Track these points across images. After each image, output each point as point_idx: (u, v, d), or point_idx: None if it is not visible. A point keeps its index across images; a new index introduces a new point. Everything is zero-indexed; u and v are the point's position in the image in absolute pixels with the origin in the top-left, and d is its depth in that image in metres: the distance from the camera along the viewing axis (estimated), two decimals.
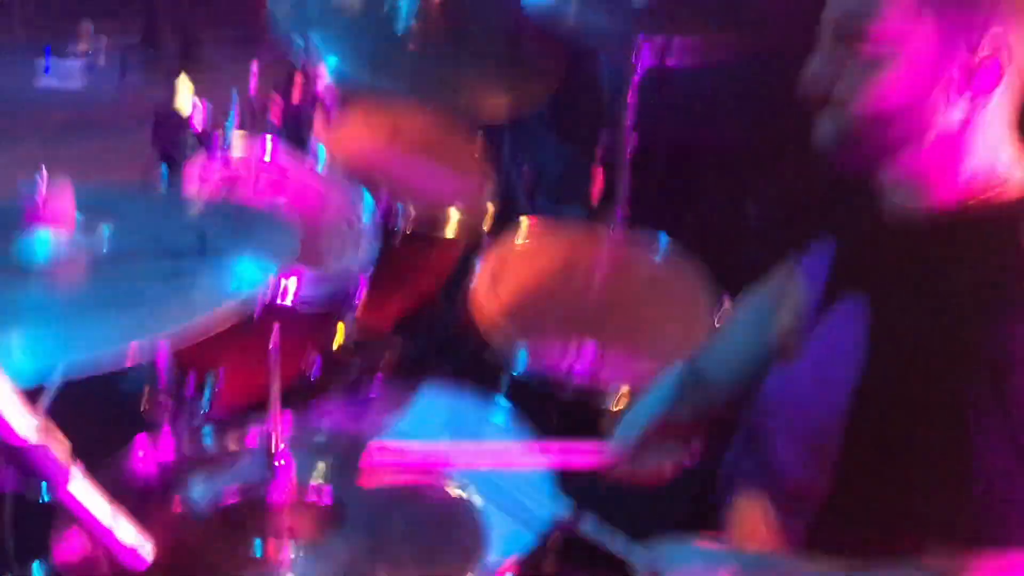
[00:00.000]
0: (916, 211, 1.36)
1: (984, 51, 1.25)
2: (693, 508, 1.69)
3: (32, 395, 1.04)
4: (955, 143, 1.31)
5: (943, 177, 1.33)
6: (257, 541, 1.29)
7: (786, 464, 1.46)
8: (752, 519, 1.51)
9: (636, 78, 2.63)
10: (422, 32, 2.57)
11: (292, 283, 1.84)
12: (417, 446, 1.49)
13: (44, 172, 1.33)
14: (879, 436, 1.32)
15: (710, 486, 1.65)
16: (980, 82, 1.27)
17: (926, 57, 1.28)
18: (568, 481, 1.69)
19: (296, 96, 2.27)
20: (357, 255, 2.06)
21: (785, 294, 1.58)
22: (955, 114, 1.29)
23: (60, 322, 1.22)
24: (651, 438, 1.67)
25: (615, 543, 1.49)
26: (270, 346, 1.20)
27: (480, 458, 1.59)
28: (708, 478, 1.66)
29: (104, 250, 1.36)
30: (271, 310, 1.34)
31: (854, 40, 1.30)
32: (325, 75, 2.22)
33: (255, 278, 1.33)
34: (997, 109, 1.30)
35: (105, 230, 1.38)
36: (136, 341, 1.20)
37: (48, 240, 1.35)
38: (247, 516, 1.31)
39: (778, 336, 1.56)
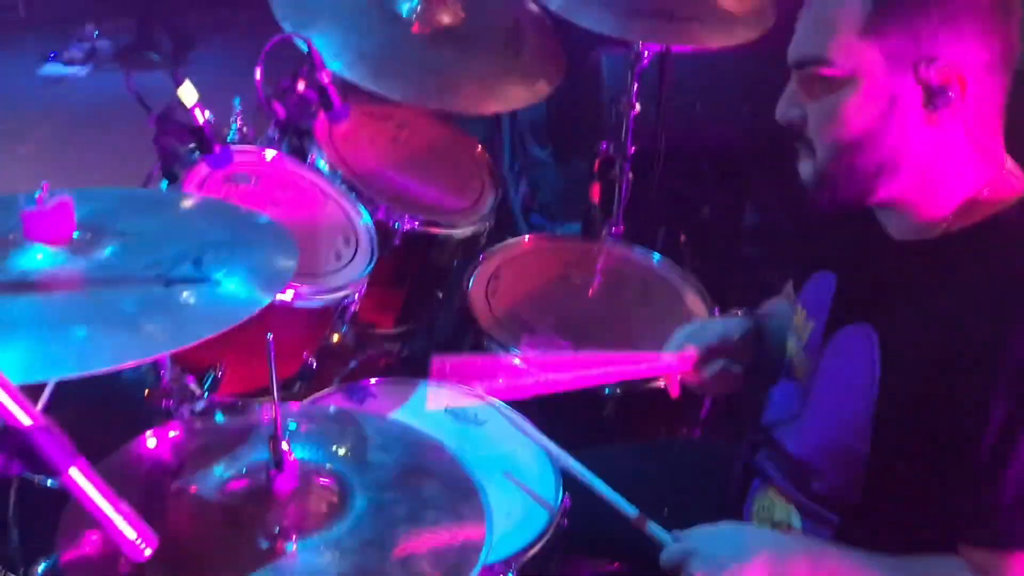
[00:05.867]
0: (914, 232, 1.37)
1: (933, 71, 1.26)
2: (712, 510, 1.70)
3: (31, 391, 1.06)
4: (932, 163, 1.32)
5: (932, 196, 1.34)
6: (263, 531, 1.29)
7: (813, 473, 1.47)
8: (777, 515, 1.53)
9: (636, 84, 2.65)
10: (424, 33, 2.58)
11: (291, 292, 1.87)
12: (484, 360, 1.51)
13: (46, 186, 1.34)
14: (904, 445, 1.33)
15: (730, 484, 1.67)
16: (936, 101, 1.28)
17: (878, 80, 1.29)
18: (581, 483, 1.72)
19: (298, 99, 2.27)
20: (356, 264, 2.08)
21: (791, 320, 1.60)
22: (923, 135, 1.30)
23: (54, 335, 1.22)
24: (712, 352, 1.71)
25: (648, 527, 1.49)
26: (268, 336, 1.21)
27: (547, 371, 1.61)
28: (725, 476, 1.68)
29: (101, 267, 1.35)
30: (270, 307, 1.35)
31: (812, 75, 1.33)
32: (327, 76, 2.23)
33: (252, 298, 1.34)
34: (975, 124, 1.31)
35: (108, 250, 1.38)
36: (129, 357, 1.22)
37: (45, 255, 1.35)
38: (253, 506, 1.32)
39: (788, 360, 1.58)
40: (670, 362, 1.71)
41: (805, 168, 1.38)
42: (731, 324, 1.75)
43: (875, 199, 1.38)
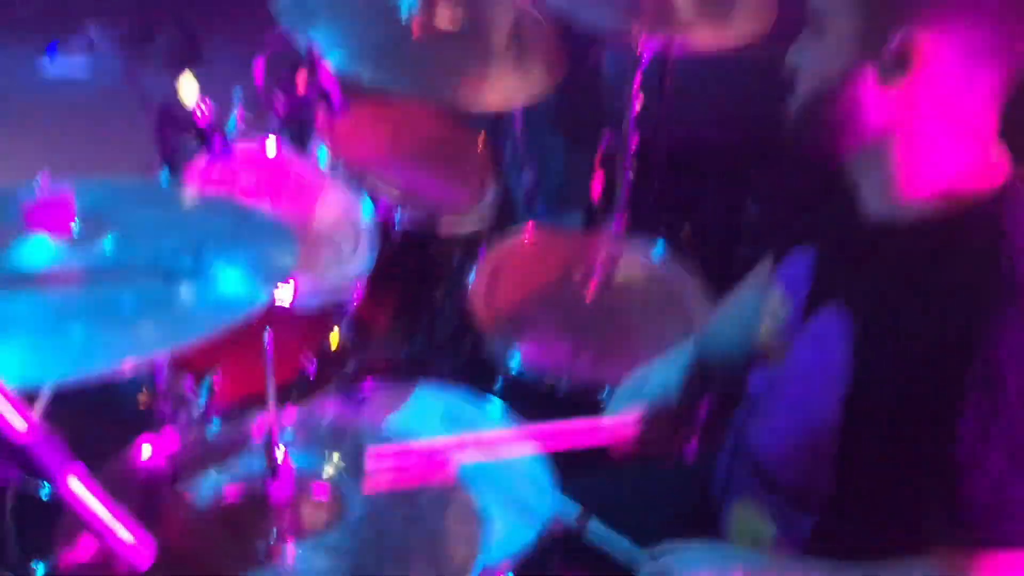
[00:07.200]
0: (892, 211, 1.35)
1: (894, 46, 1.26)
2: (692, 514, 1.69)
3: (28, 397, 1.05)
4: (909, 137, 1.31)
5: (914, 169, 1.33)
6: (260, 537, 1.29)
7: (781, 469, 1.46)
8: (752, 525, 1.52)
9: (639, 74, 2.64)
10: (424, 29, 2.57)
11: (290, 288, 1.86)
12: (416, 444, 1.50)
13: (45, 176, 1.33)
14: (874, 438, 1.31)
15: (707, 491, 1.66)
16: (899, 71, 1.27)
17: (846, 40, 1.30)
18: (569, 480, 1.71)
19: (299, 93, 2.27)
20: (356, 259, 2.08)
21: (765, 302, 1.57)
22: (884, 106, 1.30)
23: (52, 333, 1.21)
24: (655, 418, 1.71)
25: (619, 549, 1.51)
26: (265, 342, 1.21)
27: (480, 448, 1.60)
28: (705, 483, 1.67)
29: (101, 260, 1.35)
30: (268, 311, 1.34)
31: (805, 19, 1.35)
32: (328, 71, 2.22)
33: (253, 293, 1.34)
34: (951, 106, 1.29)
35: (106, 242, 1.37)
36: (129, 356, 1.21)
37: (45, 247, 1.34)
38: (249, 512, 1.32)
39: (761, 341, 1.56)
40: (610, 428, 1.71)
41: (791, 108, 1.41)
42: (671, 376, 1.75)
43: (851, 161, 1.39)
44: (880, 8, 1.28)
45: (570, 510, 1.58)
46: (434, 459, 1.49)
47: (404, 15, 2.50)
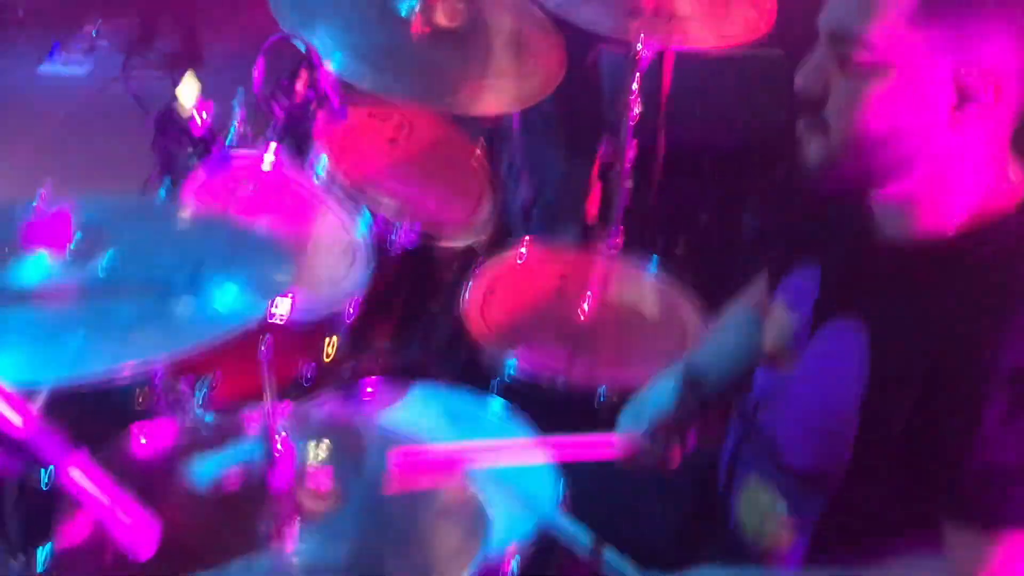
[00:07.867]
0: (910, 232, 1.34)
1: (974, 74, 1.21)
2: (699, 501, 1.70)
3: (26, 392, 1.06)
4: (948, 167, 1.29)
5: (937, 201, 1.31)
6: (260, 525, 1.29)
7: (793, 457, 1.46)
8: (762, 504, 1.52)
9: (637, 80, 2.64)
10: (423, 33, 2.57)
11: (287, 303, 1.86)
12: (436, 448, 1.49)
13: (45, 191, 1.34)
14: (893, 430, 1.31)
15: (714, 476, 1.65)
16: (967, 105, 1.23)
17: (914, 74, 1.23)
18: (575, 476, 1.71)
19: (297, 99, 2.27)
20: (353, 272, 2.08)
21: (768, 315, 1.57)
22: (944, 137, 1.26)
23: (50, 342, 1.22)
24: (654, 433, 1.69)
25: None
26: (262, 348, 1.21)
27: (494, 455, 1.59)
28: (711, 468, 1.66)
29: (97, 278, 1.35)
30: (265, 322, 1.35)
31: (846, 49, 1.25)
32: (329, 77, 2.22)
33: (249, 307, 1.34)
34: (993, 129, 1.28)
35: (104, 259, 1.38)
36: (124, 365, 1.21)
37: (42, 262, 1.35)
38: (250, 500, 1.32)
39: (767, 352, 1.56)
40: (617, 445, 1.71)
41: (814, 147, 1.30)
42: (663, 392, 1.74)
43: (881, 193, 1.34)
44: (957, 38, 1.21)
45: (581, 536, 1.57)
46: (452, 463, 1.48)
47: (404, 15, 2.51)
